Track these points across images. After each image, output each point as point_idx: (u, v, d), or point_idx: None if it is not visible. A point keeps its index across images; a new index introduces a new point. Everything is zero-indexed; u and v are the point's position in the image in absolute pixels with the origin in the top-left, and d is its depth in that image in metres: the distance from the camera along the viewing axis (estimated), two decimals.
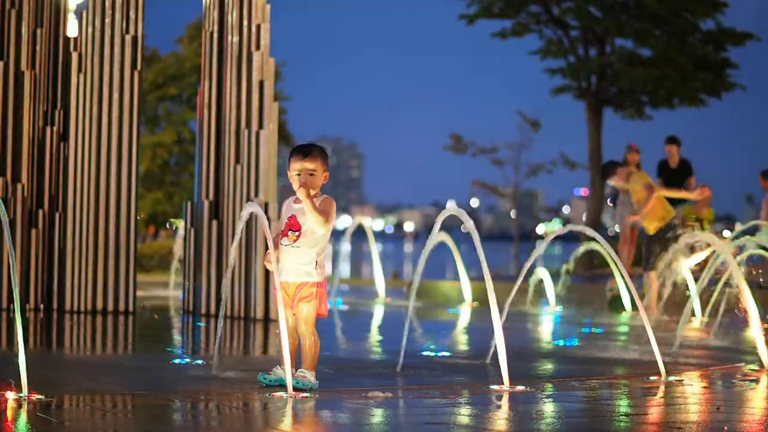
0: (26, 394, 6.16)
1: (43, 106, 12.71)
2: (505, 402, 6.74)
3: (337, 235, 15.23)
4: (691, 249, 13.82)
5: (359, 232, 19.69)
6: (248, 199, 12.31)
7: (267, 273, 12.15)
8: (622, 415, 6.41)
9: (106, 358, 9.48)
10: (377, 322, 13.68)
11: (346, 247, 18.84)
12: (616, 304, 14.94)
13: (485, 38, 33.45)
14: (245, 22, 12.76)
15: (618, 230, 18.00)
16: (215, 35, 12.91)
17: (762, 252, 11.61)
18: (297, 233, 6.99)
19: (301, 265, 7.00)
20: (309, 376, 6.94)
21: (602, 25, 30.44)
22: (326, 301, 7.14)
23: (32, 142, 12.61)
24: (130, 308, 12.65)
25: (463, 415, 6.28)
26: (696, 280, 12.04)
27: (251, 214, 7.26)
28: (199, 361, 8.46)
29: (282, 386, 6.78)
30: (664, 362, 7.94)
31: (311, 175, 6.98)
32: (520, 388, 7.12)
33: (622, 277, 12.09)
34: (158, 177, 37.22)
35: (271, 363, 7.37)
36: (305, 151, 7.04)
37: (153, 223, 38.48)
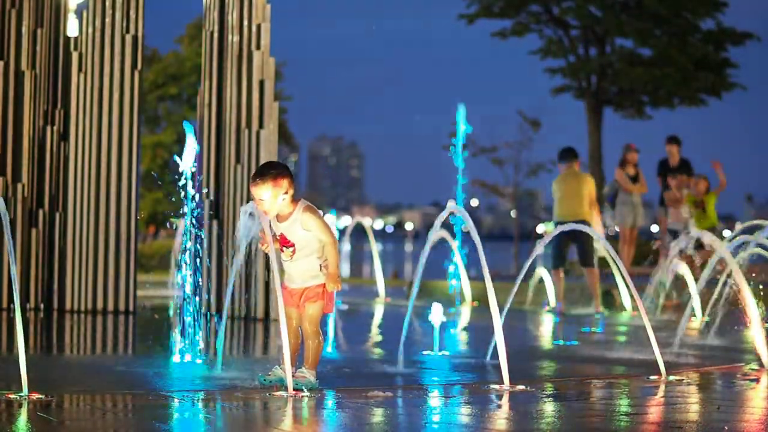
0: (26, 394, 6.16)
1: (43, 106, 12.71)
2: (505, 402, 6.74)
3: (337, 236, 15.21)
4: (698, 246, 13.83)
5: (359, 232, 19.68)
6: (248, 199, 12.30)
7: (267, 273, 12.15)
8: (622, 415, 6.41)
9: (107, 358, 9.48)
10: (377, 321, 13.68)
11: (346, 247, 18.85)
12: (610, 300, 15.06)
13: (485, 38, 33.43)
14: (245, 22, 12.76)
15: (618, 230, 18.00)
16: (215, 35, 12.91)
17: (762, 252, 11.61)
18: (291, 249, 7.02)
19: (306, 272, 7.02)
20: (309, 376, 6.94)
21: (602, 25, 30.47)
22: (333, 299, 7.14)
23: (32, 142, 12.61)
24: (130, 308, 12.65)
25: (463, 415, 6.28)
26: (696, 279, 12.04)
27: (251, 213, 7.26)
28: (199, 361, 8.46)
29: (282, 386, 6.78)
30: (664, 362, 7.95)
31: (261, 200, 6.99)
32: (520, 387, 7.12)
33: (622, 276, 12.09)
34: (158, 177, 37.23)
35: (271, 363, 7.37)
36: (253, 177, 7.04)
37: (153, 223, 38.50)
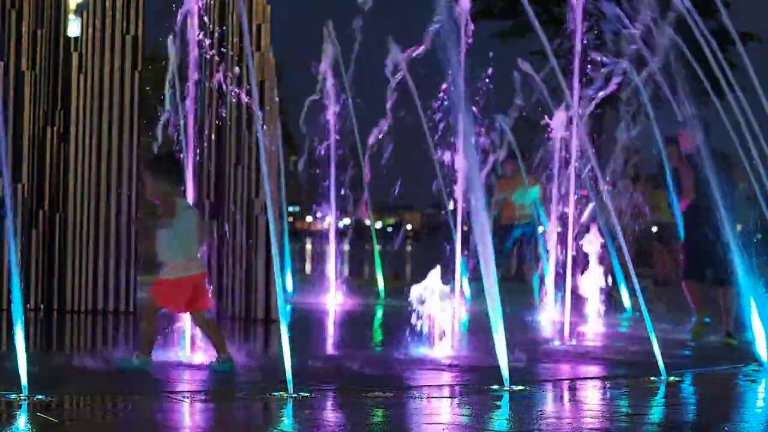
0: (26, 394, 6.16)
1: (43, 106, 12.70)
2: (505, 402, 6.74)
3: (337, 235, 15.26)
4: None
5: (359, 232, 19.66)
6: (249, 200, 12.30)
7: (267, 272, 12.14)
8: (622, 415, 6.41)
9: (107, 358, 9.48)
10: (377, 322, 13.68)
11: (345, 247, 18.88)
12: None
13: (485, 38, 33.46)
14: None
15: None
16: (216, 35, 12.88)
17: None
18: None
19: None
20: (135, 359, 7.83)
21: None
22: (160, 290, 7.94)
23: (32, 142, 12.60)
24: (130, 308, 12.64)
25: (463, 415, 6.28)
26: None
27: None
28: (199, 361, 8.45)
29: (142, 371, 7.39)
30: (664, 362, 7.94)
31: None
32: (520, 388, 7.12)
33: (622, 276, 12.11)
34: None
35: (271, 362, 7.38)
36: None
37: None
